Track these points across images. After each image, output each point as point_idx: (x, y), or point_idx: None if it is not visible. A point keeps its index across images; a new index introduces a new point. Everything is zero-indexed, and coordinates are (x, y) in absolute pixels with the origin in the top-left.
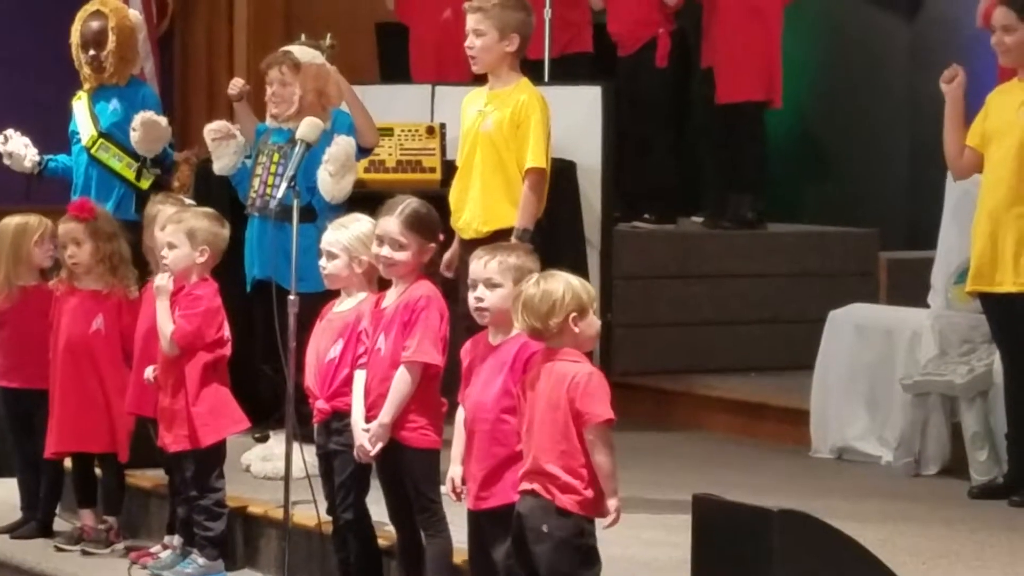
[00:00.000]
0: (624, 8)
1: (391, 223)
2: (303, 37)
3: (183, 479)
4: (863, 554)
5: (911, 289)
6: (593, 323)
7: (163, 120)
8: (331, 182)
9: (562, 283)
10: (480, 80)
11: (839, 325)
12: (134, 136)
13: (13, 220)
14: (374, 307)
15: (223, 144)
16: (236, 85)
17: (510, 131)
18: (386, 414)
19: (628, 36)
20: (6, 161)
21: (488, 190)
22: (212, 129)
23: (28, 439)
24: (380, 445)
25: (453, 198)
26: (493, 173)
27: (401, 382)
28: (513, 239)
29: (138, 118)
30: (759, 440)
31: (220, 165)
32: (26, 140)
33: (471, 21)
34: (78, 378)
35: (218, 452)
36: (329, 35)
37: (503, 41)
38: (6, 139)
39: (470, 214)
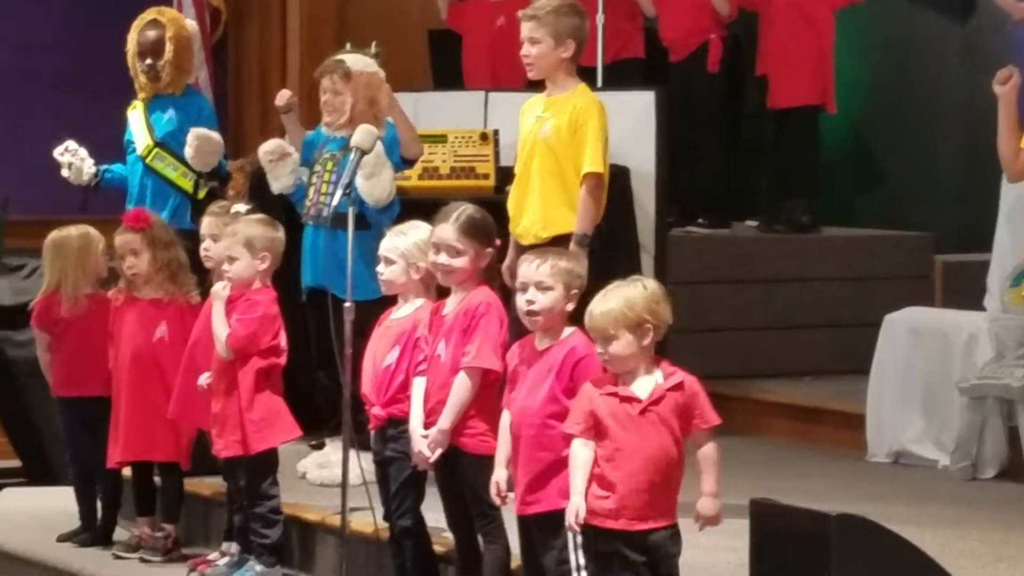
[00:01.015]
0: (676, 15)
1: (447, 230)
2: (348, 46)
3: (238, 487)
4: (922, 558)
5: (966, 292)
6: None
7: (215, 134)
8: (365, 185)
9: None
10: (534, 86)
11: (895, 329)
12: (188, 152)
13: (74, 230)
14: (434, 314)
15: (279, 164)
16: (283, 97)
17: (568, 137)
18: (446, 420)
19: (680, 42)
20: (64, 174)
21: (546, 196)
22: (267, 151)
23: (89, 449)
24: (439, 451)
25: (511, 204)
26: (551, 179)
27: (461, 388)
28: (572, 245)
29: (191, 134)
30: (815, 445)
31: (278, 185)
32: (84, 152)
33: (526, 29)
34: (143, 387)
35: (270, 460)
36: (374, 43)
37: (559, 47)
38: (65, 151)
39: (529, 220)
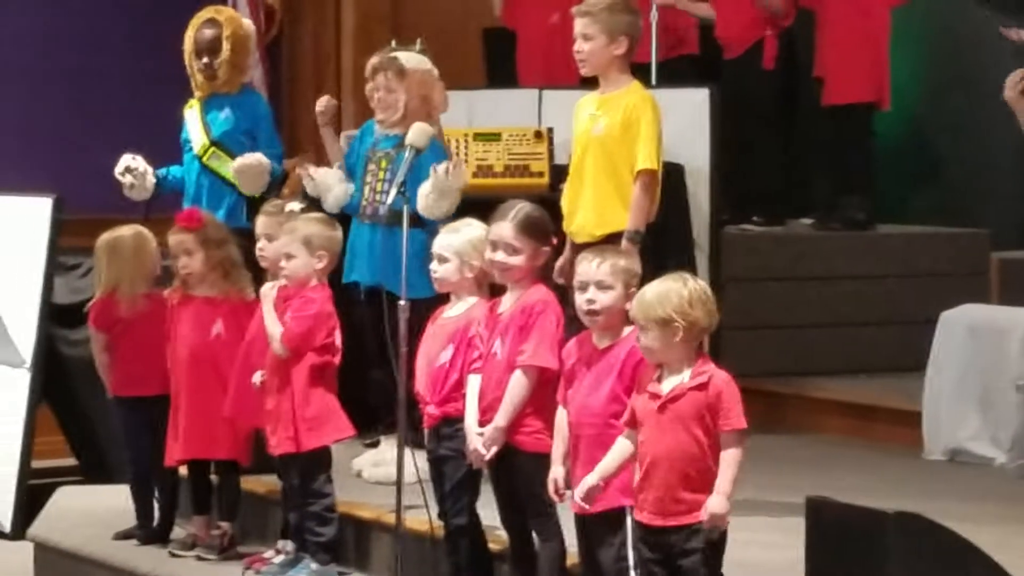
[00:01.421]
0: (731, 12)
1: (504, 228)
2: (393, 43)
3: (292, 485)
4: (979, 556)
5: (1023, 289)
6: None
7: (252, 157)
8: (424, 200)
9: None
10: (588, 83)
11: (951, 326)
12: (238, 183)
13: (127, 230)
14: (490, 312)
15: (322, 184)
16: (323, 103)
17: (621, 134)
18: (501, 418)
19: (735, 39)
20: (127, 193)
21: (600, 194)
22: (310, 181)
23: (147, 448)
24: (495, 449)
25: (566, 202)
26: (605, 177)
27: (517, 386)
28: (624, 241)
29: (233, 167)
30: (871, 442)
31: (331, 202)
32: (143, 164)
33: (579, 25)
34: (201, 385)
35: (323, 458)
36: (420, 39)
37: (612, 44)
38: (126, 171)
39: (583, 218)
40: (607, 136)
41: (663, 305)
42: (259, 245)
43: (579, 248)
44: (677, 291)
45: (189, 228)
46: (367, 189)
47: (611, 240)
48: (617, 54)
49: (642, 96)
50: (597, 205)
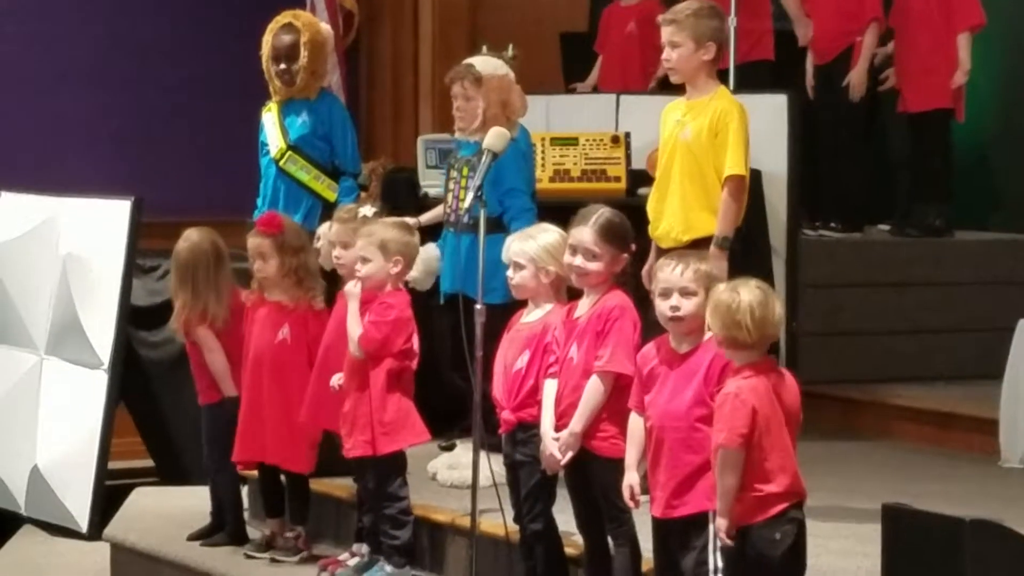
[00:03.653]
0: (823, 18)
1: (584, 233)
2: (484, 49)
3: (367, 488)
4: None
5: None
6: None
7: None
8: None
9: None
10: (668, 89)
11: None
12: (321, 252)
13: (206, 243)
14: (566, 317)
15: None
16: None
17: (708, 140)
18: (577, 423)
19: (826, 46)
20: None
21: (687, 199)
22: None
23: (226, 448)
24: (570, 454)
25: (651, 207)
26: (692, 182)
27: (593, 391)
28: (712, 247)
29: (319, 242)
30: (947, 449)
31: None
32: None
33: (666, 33)
34: (260, 388)
35: (398, 461)
36: (511, 45)
37: (699, 50)
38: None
39: (668, 224)
40: (694, 141)
41: (711, 312)
42: (335, 252)
43: (664, 253)
44: (726, 301)
45: (267, 233)
46: (449, 196)
47: (696, 246)
48: (705, 60)
49: (730, 101)
50: (683, 210)
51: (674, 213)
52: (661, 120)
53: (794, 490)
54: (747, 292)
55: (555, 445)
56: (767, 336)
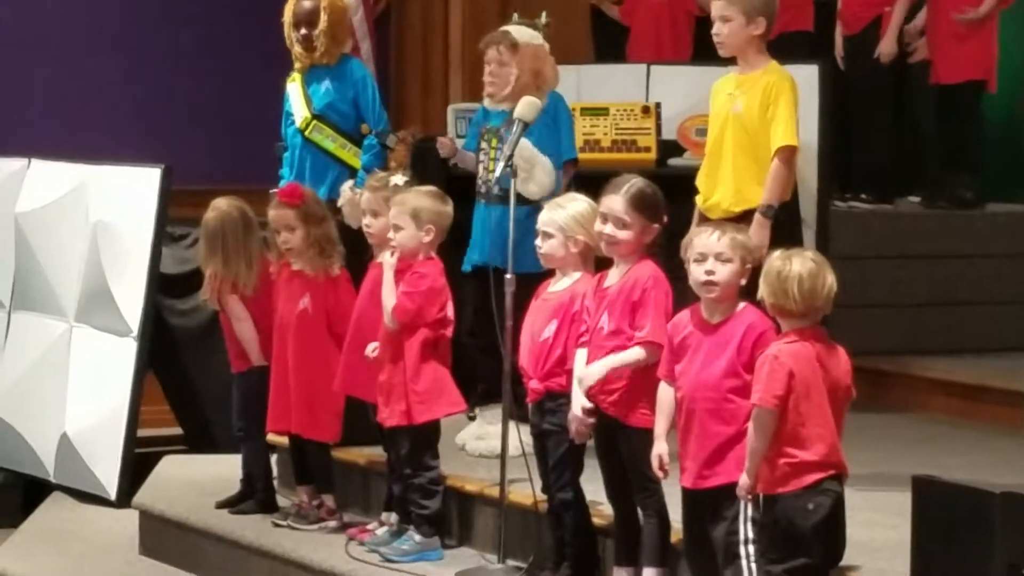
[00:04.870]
0: None
1: (616, 201)
2: (515, 16)
3: (398, 457)
4: None
5: None
6: None
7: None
8: (523, 189)
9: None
10: (704, 60)
11: None
12: (343, 212)
13: (234, 212)
14: (596, 286)
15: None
16: (445, 147)
17: (759, 114)
18: (603, 368)
19: (855, 16)
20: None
21: (739, 171)
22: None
23: (253, 417)
24: (588, 385)
25: (701, 179)
26: (743, 155)
27: (632, 355)
28: (757, 215)
29: (341, 200)
30: (976, 422)
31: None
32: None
33: (716, 8)
34: (286, 357)
35: (432, 431)
36: (544, 13)
37: (750, 25)
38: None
39: (720, 195)
40: (746, 115)
41: (763, 278)
42: (365, 221)
43: None
44: (775, 269)
45: (290, 204)
46: (480, 168)
47: (745, 217)
48: (756, 34)
49: (780, 74)
50: (736, 182)
51: (726, 185)
52: (712, 94)
53: (831, 461)
54: (799, 262)
55: (581, 402)
56: (816, 308)
